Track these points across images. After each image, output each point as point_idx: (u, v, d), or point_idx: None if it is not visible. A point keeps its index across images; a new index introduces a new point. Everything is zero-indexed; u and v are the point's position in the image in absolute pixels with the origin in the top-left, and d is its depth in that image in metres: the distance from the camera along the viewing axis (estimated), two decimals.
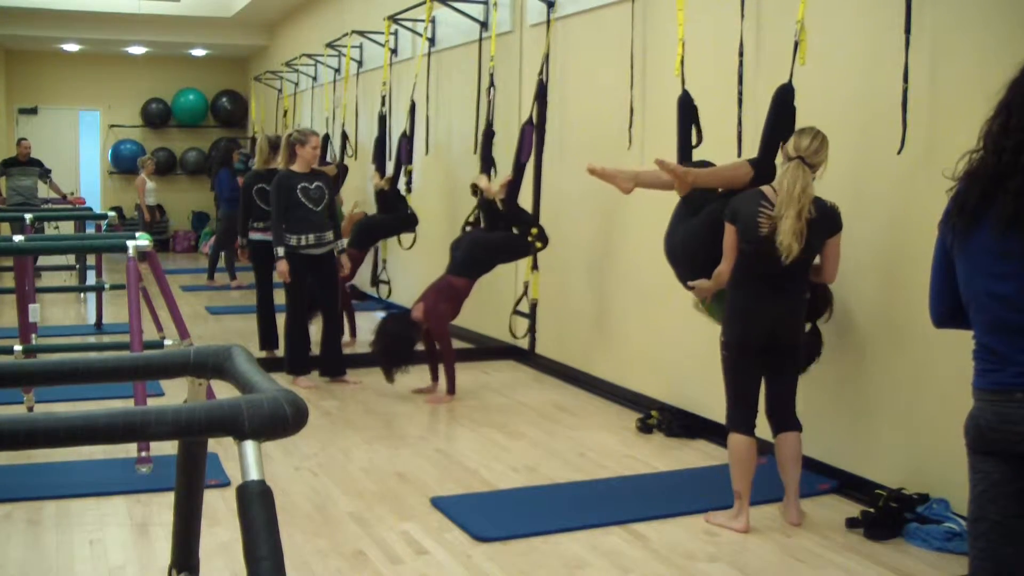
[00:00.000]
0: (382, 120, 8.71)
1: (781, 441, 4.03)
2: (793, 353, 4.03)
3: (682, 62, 4.99)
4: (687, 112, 4.94)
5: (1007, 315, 2.18)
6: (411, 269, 9.06)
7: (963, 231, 2.23)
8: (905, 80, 4.03)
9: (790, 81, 4.33)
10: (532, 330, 6.69)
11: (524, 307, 6.73)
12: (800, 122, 4.30)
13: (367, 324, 8.44)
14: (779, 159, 4.25)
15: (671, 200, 4.86)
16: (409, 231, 8.21)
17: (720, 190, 4.44)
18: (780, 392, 4.05)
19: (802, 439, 4.06)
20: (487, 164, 6.82)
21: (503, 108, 7.30)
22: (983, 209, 2.19)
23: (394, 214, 8.17)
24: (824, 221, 3.85)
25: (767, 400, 4.08)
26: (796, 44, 4.35)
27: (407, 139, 8.19)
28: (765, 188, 3.93)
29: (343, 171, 9.28)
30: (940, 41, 4.01)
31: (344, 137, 9.75)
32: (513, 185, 6.44)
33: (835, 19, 4.49)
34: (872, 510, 4.04)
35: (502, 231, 6.53)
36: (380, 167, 8.55)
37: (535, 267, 6.58)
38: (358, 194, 10.06)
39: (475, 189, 6.71)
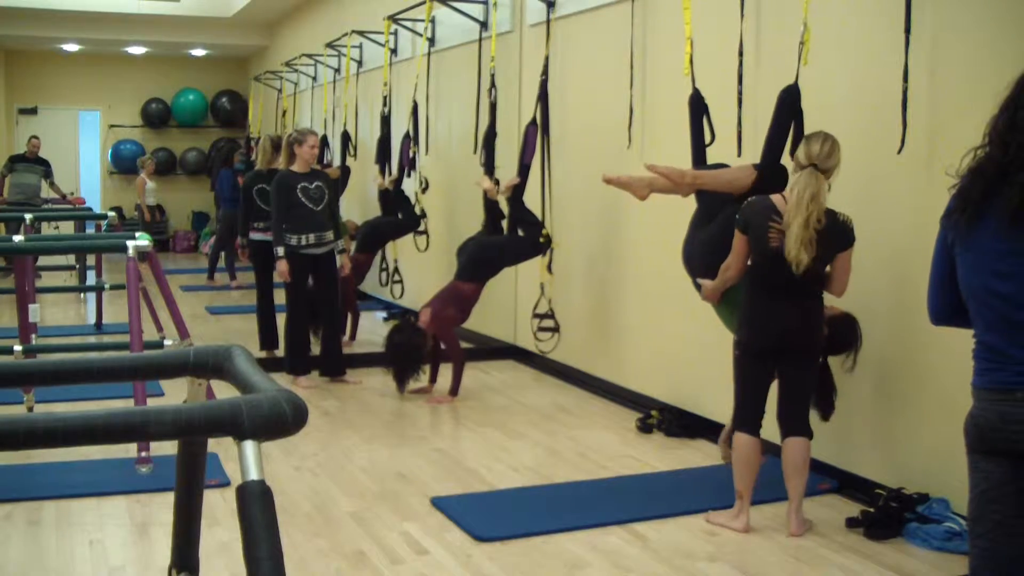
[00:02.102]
0: (384, 121, 8.71)
1: (787, 446, 3.98)
2: (807, 358, 3.96)
3: (691, 61, 4.96)
4: (699, 112, 4.87)
5: (1009, 312, 2.17)
6: (409, 269, 9.06)
7: (965, 227, 2.22)
8: (905, 80, 4.02)
9: (796, 82, 4.31)
10: (541, 329, 6.62)
11: (542, 309, 6.68)
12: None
13: (366, 324, 8.46)
14: (790, 166, 4.25)
15: (671, 201, 4.87)
16: (414, 232, 8.19)
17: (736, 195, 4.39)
18: (791, 396, 3.98)
19: (810, 447, 3.99)
20: (490, 165, 6.81)
21: (503, 108, 7.29)
22: (986, 204, 2.18)
23: (398, 215, 8.17)
24: (835, 234, 3.78)
25: (778, 403, 4.03)
26: (801, 45, 4.33)
27: (409, 140, 8.19)
28: (775, 197, 3.87)
29: (346, 173, 9.28)
30: (940, 41, 4.00)
31: (346, 137, 9.73)
32: (518, 187, 6.44)
33: (835, 19, 4.48)
34: (872, 510, 4.04)
35: (506, 233, 6.53)
36: (383, 168, 8.55)
37: (549, 270, 6.56)
38: (360, 195, 10.07)
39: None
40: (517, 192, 6.43)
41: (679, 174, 4.42)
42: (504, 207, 6.54)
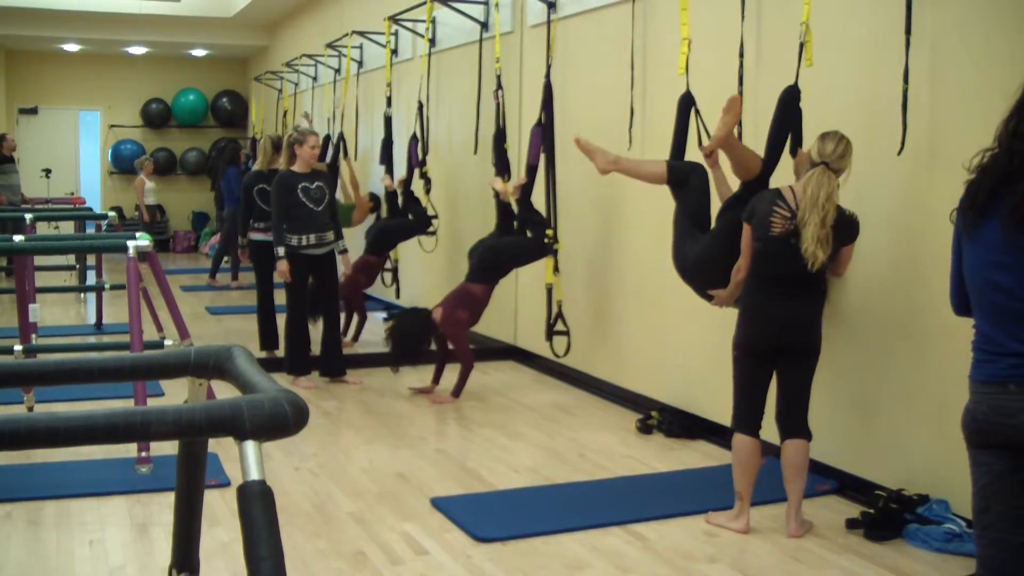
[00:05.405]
0: (388, 121, 8.69)
1: (787, 448, 3.97)
2: (806, 357, 3.95)
3: (687, 61, 4.96)
4: (686, 111, 4.89)
5: (1008, 303, 2.22)
6: (411, 269, 9.06)
7: (972, 224, 2.29)
8: (905, 81, 4.03)
9: (796, 83, 4.32)
10: (553, 332, 6.55)
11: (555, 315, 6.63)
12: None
13: (368, 325, 8.45)
14: (790, 165, 4.26)
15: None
16: (424, 232, 8.17)
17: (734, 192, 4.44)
18: (790, 397, 3.98)
19: (809, 448, 3.99)
20: (501, 166, 6.80)
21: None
22: (992, 205, 2.24)
23: (407, 216, 8.15)
24: (843, 230, 3.82)
25: (777, 404, 4.03)
26: (801, 45, 4.33)
27: (416, 140, 8.17)
28: (784, 188, 3.90)
29: (333, 172, 9.23)
30: (940, 42, 4.00)
31: (340, 138, 9.71)
32: (525, 187, 6.46)
33: (835, 20, 4.48)
34: (872, 511, 4.04)
35: (515, 234, 6.54)
36: (388, 169, 8.54)
37: (556, 270, 6.53)
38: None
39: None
40: (524, 193, 6.45)
41: (602, 153, 4.75)
42: (516, 208, 6.55)
